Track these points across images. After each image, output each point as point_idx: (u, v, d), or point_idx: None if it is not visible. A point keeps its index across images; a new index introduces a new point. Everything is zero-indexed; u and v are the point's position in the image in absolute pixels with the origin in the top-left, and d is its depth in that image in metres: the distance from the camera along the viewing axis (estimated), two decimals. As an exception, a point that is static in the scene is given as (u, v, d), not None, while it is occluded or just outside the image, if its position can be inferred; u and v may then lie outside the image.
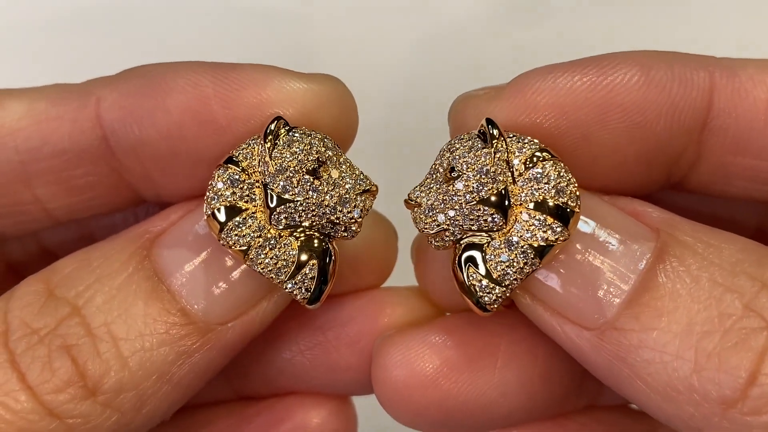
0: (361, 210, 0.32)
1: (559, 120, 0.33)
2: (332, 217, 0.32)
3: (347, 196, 0.32)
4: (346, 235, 0.33)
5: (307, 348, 0.39)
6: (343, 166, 0.33)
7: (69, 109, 0.35)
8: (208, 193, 0.32)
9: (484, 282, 0.32)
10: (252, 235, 0.32)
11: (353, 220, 0.32)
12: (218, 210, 0.32)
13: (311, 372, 0.39)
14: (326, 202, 0.32)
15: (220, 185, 0.32)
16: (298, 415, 0.40)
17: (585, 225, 0.32)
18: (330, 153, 0.32)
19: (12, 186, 0.35)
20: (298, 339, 0.39)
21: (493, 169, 0.31)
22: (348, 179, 0.32)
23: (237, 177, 0.32)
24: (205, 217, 0.32)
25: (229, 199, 0.32)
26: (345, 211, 0.32)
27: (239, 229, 0.32)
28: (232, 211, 0.32)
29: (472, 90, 0.35)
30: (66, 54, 0.59)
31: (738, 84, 0.33)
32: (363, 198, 0.32)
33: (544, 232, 0.31)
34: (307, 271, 0.32)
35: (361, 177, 0.33)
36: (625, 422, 0.40)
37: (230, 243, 0.32)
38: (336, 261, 0.33)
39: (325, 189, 0.32)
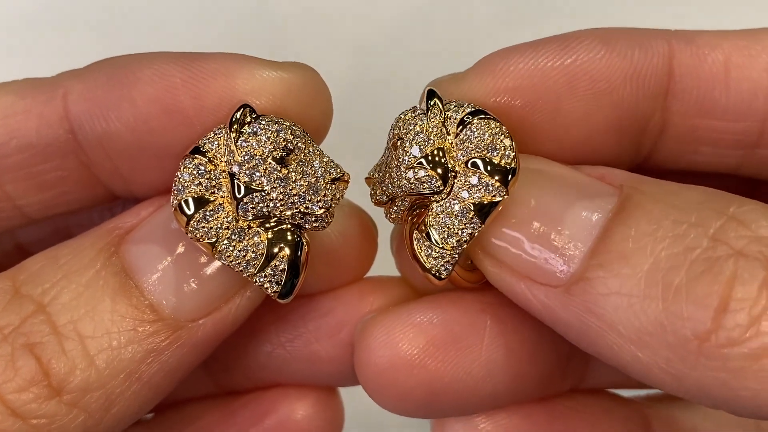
0: (332, 199, 0.31)
1: (528, 95, 0.33)
2: (302, 207, 0.31)
3: (317, 184, 0.31)
4: (317, 225, 0.32)
5: (287, 340, 0.39)
6: (313, 155, 0.32)
7: (36, 103, 0.34)
8: (174, 185, 0.31)
9: (431, 248, 0.32)
10: (220, 226, 0.31)
11: (324, 210, 0.31)
12: (185, 201, 0.31)
13: (293, 364, 0.39)
14: (295, 192, 0.31)
15: (186, 176, 0.31)
16: (283, 408, 0.40)
17: (545, 185, 0.32)
18: (298, 141, 0.31)
19: None
20: (279, 332, 0.39)
21: (427, 131, 0.31)
22: (318, 167, 0.31)
23: (203, 167, 0.31)
24: (172, 210, 0.31)
25: (195, 190, 0.31)
26: (315, 200, 0.31)
27: (206, 221, 0.31)
28: (199, 202, 0.31)
29: (441, 76, 0.35)
30: (51, 51, 0.59)
31: (696, 48, 0.34)
32: (334, 187, 0.31)
33: (481, 191, 0.31)
34: (277, 264, 0.31)
35: (332, 165, 0.32)
36: (609, 405, 0.39)
37: (198, 235, 0.31)
38: (308, 253, 0.32)
39: (293, 178, 0.31)
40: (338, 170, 0.32)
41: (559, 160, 0.34)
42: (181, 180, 0.31)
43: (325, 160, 0.32)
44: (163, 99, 0.32)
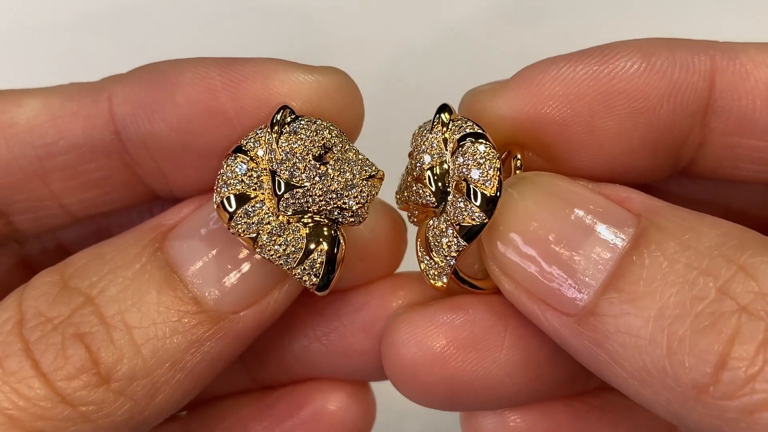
0: (368, 195, 0.33)
1: (564, 109, 0.33)
2: (339, 203, 0.32)
3: (353, 181, 0.32)
4: (353, 220, 0.33)
5: (323, 334, 0.39)
6: (349, 153, 0.33)
7: (82, 105, 0.36)
8: (217, 182, 0.33)
9: (427, 257, 0.34)
10: (261, 222, 0.32)
11: (360, 205, 0.33)
12: (227, 198, 0.32)
13: (328, 358, 0.40)
14: (333, 188, 0.32)
15: (228, 174, 0.33)
16: (317, 401, 0.41)
17: (565, 209, 0.32)
18: (336, 140, 0.33)
19: (29, 181, 0.36)
20: (314, 326, 0.40)
21: (429, 148, 0.33)
22: (354, 165, 0.33)
23: (245, 165, 0.33)
24: (215, 206, 0.33)
25: (237, 188, 0.32)
26: (352, 196, 0.32)
27: (248, 217, 0.32)
28: (241, 199, 0.32)
29: (480, 85, 0.36)
30: (83, 56, 0.60)
31: (739, 65, 0.33)
32: (369, 183, 0.33)
33: (464, 214, 0.32)
34: (315, 257, 0.33)
35: (367, 163, 0.33)
36: (633, 404, 0.39)
37: (239, 231, 0.32)
38: (344, 247, 0.33)
39: (332, 174, 0.32)
40: (373, 168, 0.33)
41: (591, 175, 0.34)
42: (223, 177, 0.33)
43: (360, 158, 0.33)
44: (204, 101, 0.34)
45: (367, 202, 0.33)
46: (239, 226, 0.32)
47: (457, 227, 0.32)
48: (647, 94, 0.33)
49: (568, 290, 0.31)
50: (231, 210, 0.32)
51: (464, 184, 0.32)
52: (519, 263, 0.32)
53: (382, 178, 0.33)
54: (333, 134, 0.33)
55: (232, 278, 0.34)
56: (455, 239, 0.32)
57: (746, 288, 0.28)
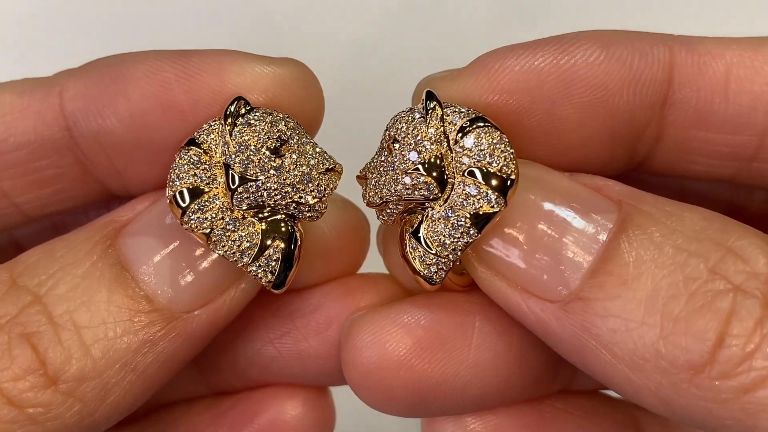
0: (325, 189, 0.32)
1: (523, 98, 0.33)
2: (295, 197, 0.32)
3: (310, 174, 0.32)
4: (310, 215, 0.32)
5: (276, 337, 0.38)
6: (307, 146, 0.32)
7: (33, 101, 0.35)
8: (169, 176, 0.32)
9: (424, 254, 0.32)
10: (214, 217, 0.31)
11: (317, 200, 0.32)
12: (180, 192, 0.32)
13: (282, 362, 0.39)
14: (288, 181, 0.31)
15: (181, 167, 0.32)
16: (273, 407, 0.40)
17: (546, 196, 0.32)
18: (292, 132, 0.32)
19: None
20: (268, 329, 0.39)
21: (428, 137, 0.31)
22: (311, 158, 0.32)
23: (198, 159, 0.32)
24: (167, 201, 0.32)
25: (190, 182, 0.32)
26: (308, 190, 0.32)
27: (201, 212, 0.31)
28: (194, 193, 0.32)
29: (436, 72, 0.35)
30: (51, 52, 0.60)
31: (697, 57, 0.33)
32: (327, 177, 0.32)
33: (479, 201, 0.31)
34: (271, 254, 0.32)
35: (325, 156, 0.32)
36: (600, 407, 0.39)
37: (192, 226, 0.31)
38: (302, 244, 0.32)
39: (287, 167, 0.31)
40: (331, 161, 0.32)
41: (551, 165, 0.33)
42: (176, 171, 0.32)
43: (318, 150, 0.32)
44: (157, 94, 0.33)
45: (324, 196, 0.32)
46: (192, 222, 0.31)
47: (469, 216, 0.31)
48: (607, 82, 0.32)
49: (553, 277, 0.31)
50: (184, 205, 0.31)
51: (477, 171, 0.31)
52: (499, 252, 0.32)
53: (340, 172, 0.32)
54: (289, 126, 0.32)
55: (187, 276, 0.33)
56: (466, 230, 0.31)
57: (738, 268, 0.28)
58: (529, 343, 0.35)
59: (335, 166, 0.32)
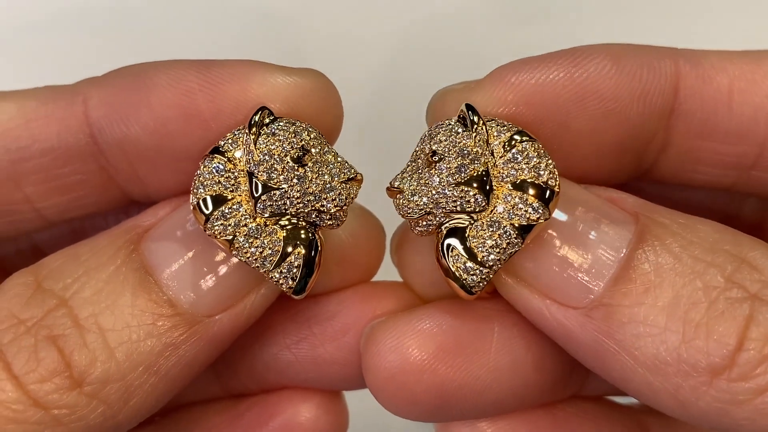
0: (346, 198, 0.33)
1: (538, 110, 0.34)
2: (317, 205, 0.32)
3: (332, 183, 0.32)
4: (331, 223, 0.33)
5: (293, 343, 0.39)
6: (328, 155, 0.33)
7: (57, 108, 0.35)
8: (194, 184, 0.33)
9: (468, 264, 0.32)
10: (238, 224, 0.32)
11: (338, 208, 0.33)
12: (204, 200, 0.32)
13: (298, 367, 0.39)
14: (311, 190, 0.32)
15: (205, 175, 0.32)
16: (288, 410, 0.40)
17: (569, 209, 0.33)
18: (314, 142, 0.33)
19: (2, 185, 0.36)
20: (285, 334, 0.39)
21: (474, 150, 0.32)
22: (332, 167, 0.33)
23: (222, 166, 0.32)
24: (191, 207, 0.32)
25: (214, 189, 0.32)
26: (330, 198, 0.32)
27: (225, 219, 0.32)
28: (218, 200, 0.32)
29: (450, 85, 0.36)
30: (64, 57, 0.60)
31: (701, 71, 0.34)
32: (347, 186, 0.33)
33: (525, 211, 0.32)
34: (292, 260, 0.33)
35: (346, 165, 0.33)
36: (609, 412, 0.40)
37: (216, 232, 0.32)
38: (322, 251, 0.33)
39: (310, 177, 0.32)
40: (352, 171, 0.33)
41: (565, 173, 0.34)
42: (200, 178, 0.32)
43: (339, 160, 0.33)
44: (180, 103, 0.34)
45: (345, 204, 0.33)
46: (216, 228, 0.32)
47: (516, 227, 0.32)
48: (619, 94, 0.34)
49: (576, 284, 0.32)
50: (207, 211, 0.32)
51: (524, 183, 0.32)
52: (523, 260, 0.33)
53: (360, 181, 0.33)
54: (312, 136, 0.33)
55: (208, 281, 0.33)
56: (513, 240, 0.32)
57: (753, 278, 0.30)
58: (545, 348, 0.36)
59: (356, 176, 0.33)
